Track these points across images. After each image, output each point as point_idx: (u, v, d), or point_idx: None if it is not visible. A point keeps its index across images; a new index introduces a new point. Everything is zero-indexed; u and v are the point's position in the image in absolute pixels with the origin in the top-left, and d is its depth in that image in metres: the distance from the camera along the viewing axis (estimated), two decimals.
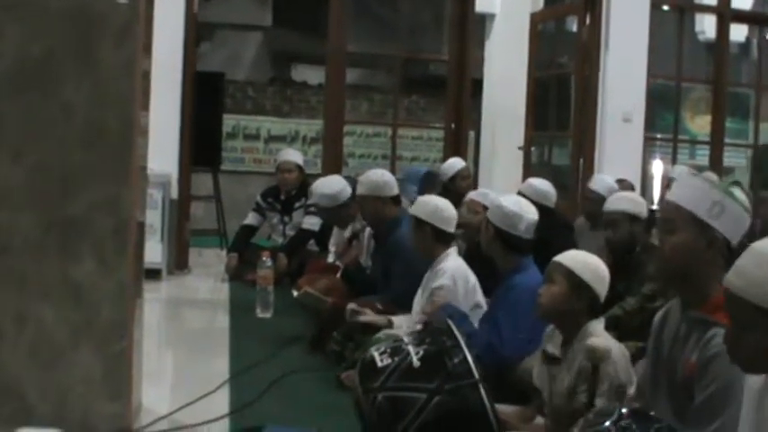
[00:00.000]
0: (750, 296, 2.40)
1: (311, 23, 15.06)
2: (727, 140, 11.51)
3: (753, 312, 2.40)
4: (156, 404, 4.69)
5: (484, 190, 7.59)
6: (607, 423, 2.60)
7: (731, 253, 3.23)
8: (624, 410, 2.66)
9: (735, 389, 2.96)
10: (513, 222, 5.09)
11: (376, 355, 3.39)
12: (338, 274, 6.89)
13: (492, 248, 5.14)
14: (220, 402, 4.84)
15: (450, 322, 3.62)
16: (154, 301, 7.17)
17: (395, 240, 6.11)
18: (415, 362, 3.29)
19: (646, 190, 11.11)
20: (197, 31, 9.64)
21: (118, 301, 4.21)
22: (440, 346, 3.34)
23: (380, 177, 6.53)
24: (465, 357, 3.25)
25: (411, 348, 3.36)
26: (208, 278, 8.76)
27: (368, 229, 6.98)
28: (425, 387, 3.23)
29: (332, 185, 7.46)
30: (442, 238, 5.52)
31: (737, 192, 3.28)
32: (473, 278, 5.47)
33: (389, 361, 3.33)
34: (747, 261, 2.44)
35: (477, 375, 3.21)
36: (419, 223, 5.54)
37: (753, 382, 2.67)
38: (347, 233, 7.38)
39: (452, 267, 5.44)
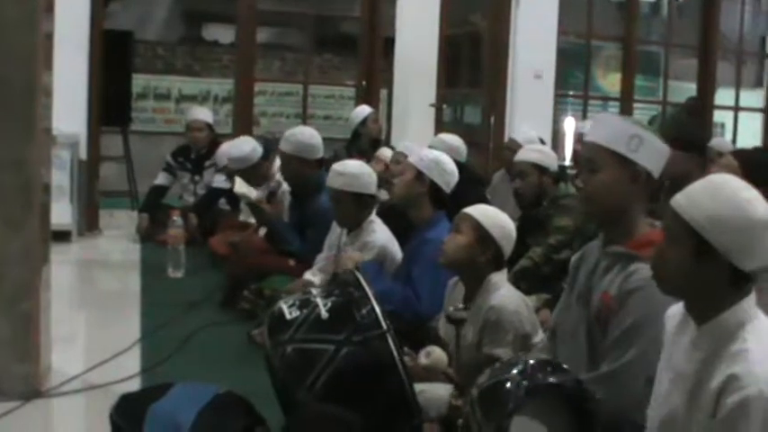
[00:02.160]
0: (689, 217, 2.49)
1: None
2: (637, 98, 11.63)
3: (684, 231, 2.50)
4: (67, 365, 4.66)
5: (387, 149, 7.68)
6: (513, 372, 2.62)
7: (654, 186, 3.31)
8: (531, 361, 2.68)
9: (651, 324, 3.01)
10: (448, 180, 5.14)
11: (284, 307, 3.39)
12: (258, 232, 6.88)
13: (417, 201, 5.15)
14: (132, 362, 4.84)
15: (358, 274, 3.63)
16: (64, 263, 7.07)
17: (316, 207, 6.07)
18: (324, 314, 3.29)
19: (557, 146, 11.21)
20: None
21: (24, 262, 4.17)
22: (348, 298, 3.35)
23: (308, 139, 6.43)
24: (372, 308, 3.26)
25: (319, 300, 3.36)
26: (119, 239, 8.65)
27: (284, 186, 6.91)
28: (333, 338, 3.23)
29: (241, 148, 7.38)
30: (365, 204, 5.50)
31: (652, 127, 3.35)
32: (397, 245, 5.45)
33: (298, 313, 3.33)
34: (699, 184, 2.55)
35: (384, 326, 3.22)
36: (340, 195, 5.45)
37: (670, 318, 2.73)
38: (262, 193, 7.28)
39: (381, 242, 5.39)
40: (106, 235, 8.86)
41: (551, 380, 2.62)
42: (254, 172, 7.30)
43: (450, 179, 5.16)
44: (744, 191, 2.51)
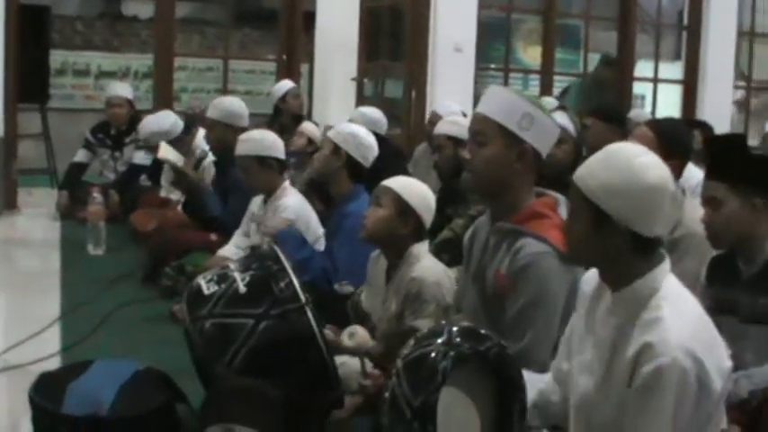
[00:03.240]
0: (586, 188, 2.53)
1: None
2: (557, 70, 11.72)
3: (583, 203, 2.54)
4: None
5: (310, 124, 7.72)
6: (438, 341, 2.63)
7: (541, 164, 3.34)
8: (454, 329, 2.70)
9: (544, 299, 3.09)
10: (366, 153, 5.16)
11: (203, 283, 3.38)
12: (178, 207, 6.85)
13: (335, 176, 5.16)
14: (52, 341, 4.80)
15: (276, 247, 3.63)
16: None
17: (238, 175, 6.07)
18: (242, 288, 3.28)
19: None
20: None
21: None
22: (266, 272, 3.34)
23: (234, 106, 6.56)
24: (291, 281, 3.26)
25: (237, 275, 3.35)
26: (38, 218, 8.54)
27: (210, 157, 6.90)
28: (252, 312, 3.24)
29: (161, 122, 7.38)
30: (266, 165, 5.54)
31: (545, 104, 3.36)
32: (314, 214, 5.53)
33: (216, 288, 3.32)
34: (597, 155, 2.58)
35: (303, 299, 3.23)
36: (246, 161, 5.54)
37: (586, 287, 2.77)
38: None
39: (294, 204, 5.47)
40: (25, 213, 8.75)
41: (476, 347, 2.64)
42: (176, 147, 7.26)
43: (368, 153, 5.18)
44: (638, 157, 2.54)
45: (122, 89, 9.08)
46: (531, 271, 3.11)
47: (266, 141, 5.60)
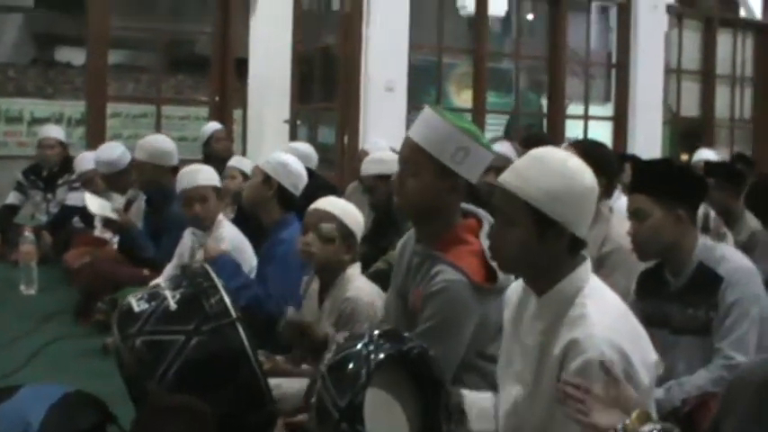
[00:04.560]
0: (525, 195, 2.54)
1: (73, 4, 14.69)
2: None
3: (520, 208, 2.55)
4: None
5: (238, 157, 7.67)
6: (361, 343, 2.66)
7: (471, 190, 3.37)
8: (375, 331, 2.72)
9: (450, 325, 3.12)
10: (296, 182, 5.19)
11: (133, 301, 3.38)
12: (114, 245, 6.80)
13: (266, 205, 5.17)
14: None
15: (207, 265, 3.64)
16: None
17: (171, 214, 6.07)
18: (172, 305, 3.28)
19: None
20: None
21: None
22: (197, 288, 3.35)
23: (162, 145, 6.55)
24: (221, 297, 3.27)
25: (168, 292, 3.35)
26: None
27: (142, 196, 6.88)
28: (183, 329, 3.23)
29: (111, 152, 7.37)
30: (218, 194, 5.62)
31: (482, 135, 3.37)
32: (248, 245, 5.52)
33: (146, 306, 3.31)
34: (526, 162, 2.61)
35: (234, 314, 3.23)
36: (199, 190, 5.53)
37: (510, 298, 2.81)
38: (120, 201, 7.23)
39: (230, 235, 5.47)
40: None
41: (398, 347, 2.67)
42: (120, 178, 7.29)
43: (298, 181, 5.22)
44: (569, 161, 2.60)
45: (54, 131, 9.06)
46: (441, 297, 3.14)
47: (214, 172, 5.67)
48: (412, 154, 3.25)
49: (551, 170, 2.56)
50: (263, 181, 5.17)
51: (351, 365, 2.61)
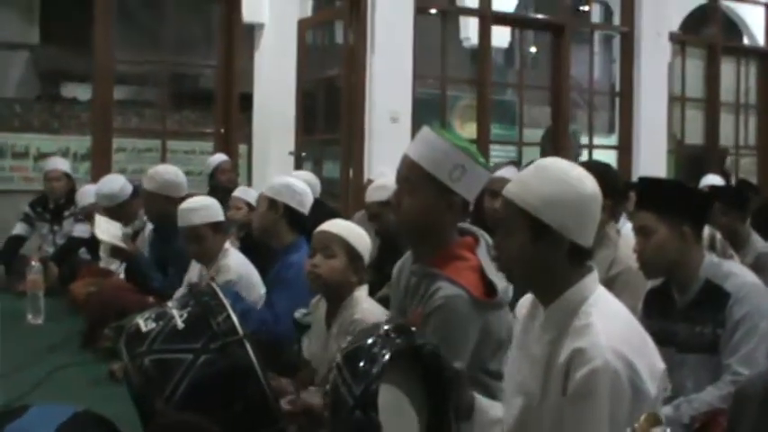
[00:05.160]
0: (522, 202, 2.56)
1: (79, 40, 14.77)
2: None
3: (517, 215, 2.57)
4: None
5: (243, 187, 7.67)
6: (376, 333, 2.68)
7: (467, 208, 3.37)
8: (390, 325, 2.73)
9: (453, 340, 3.11)
10: (301, 200, 5.22)
11: (141, 322, 3.37)
12: (121, 274, 6.80)
13: (276, 229, 5.20)
14: None
15: (214, 284, 3.65)
16: None
17: (176, 244, 6.06)
18: (180, 323, 3.27)
19: None
20: None
21: None
22: (204, 307, 3.34)
23: (172, 176, 6.53)
24: (229, 315, 3.26)
25: (175, 311, 3.35)
26: None
27: (148, 227, 6.89)
28: (191, 347, 3.22)
29: (111, 185, 7.38)
30: (219, 230, 5.56)
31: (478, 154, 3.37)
32: (255, 273, 5.51)
33: (154, 325, 3.31)
34: (528, 171, 2.64)
35: (241, 332, 3.23)
36: (193, 230, 5.52)
37: (520, 310, 2.81)
38: (127, 231, 7.24)
39: (235, 264, 5.47)
40: None
41: (412, 342, 2.68)
42: (122, 210, 7.29)
43: (303, 199, 5.26)
44: (571, 169, 2.61)
45: (60, 163, 9.11)
46: (441, 312, 3.14)
47: (215, 206, 5.63)
48: (409, 171, 3.27)
49: (551, 177, 2.58)
50: (269, 206, 5.20)
51: (366, 353, 2.62)
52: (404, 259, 3.54)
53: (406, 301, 3.36)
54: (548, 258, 2.58)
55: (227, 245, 5.64)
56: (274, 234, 5.20)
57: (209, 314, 3.30)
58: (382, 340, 2.65)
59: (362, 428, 2.58)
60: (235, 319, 3.27)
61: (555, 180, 2.57)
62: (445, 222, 3.29)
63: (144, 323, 3.34)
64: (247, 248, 5.90)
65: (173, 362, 3.22)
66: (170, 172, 6.68)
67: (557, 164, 2.65)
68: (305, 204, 5.24)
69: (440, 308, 3.13)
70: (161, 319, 3.35)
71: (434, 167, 3.20)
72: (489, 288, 3.19)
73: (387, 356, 2.61)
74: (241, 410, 3.20)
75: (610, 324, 2.51)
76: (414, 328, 2.82)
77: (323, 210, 6.55)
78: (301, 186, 5.32)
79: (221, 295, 3.38)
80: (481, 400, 2.88)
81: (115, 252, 6.70)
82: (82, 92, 15.90)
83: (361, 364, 2.62)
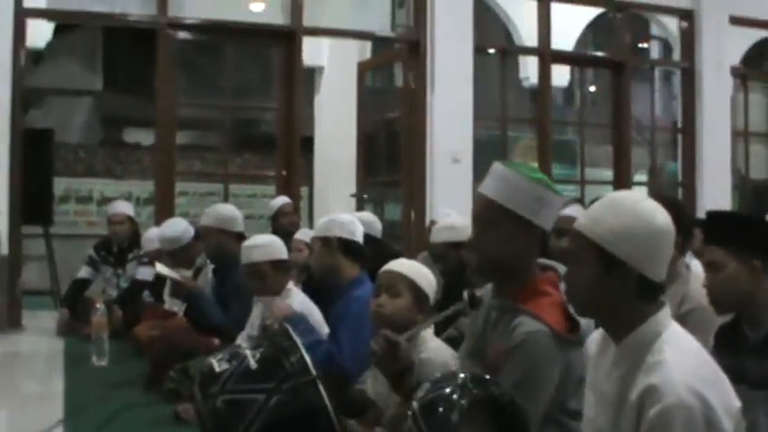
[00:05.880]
0: (592, 234, 2.54)
1: (141, 86, 14.99)
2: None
3: (586, 247, 2.54)
4: None
5: (304, 229, 7.68)
6: (454, 383, 2.64)
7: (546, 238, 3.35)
8: (463, 375, 2.70)
9: (534, 377, 3.06)
10: (351, 229, 5.23)
11: (214, 362, 3.36)
12: (180, 313, 6.84)
13: (336, 265, 5.19)
14: None
15: (287, 325, 3.64)
16: None
17: (237, 280, 6.08)
18: (253, 364, 3.26)
19: None
20: (24, 96, 9.51)
21: None
22: (277, 347, 3.33)
23: (228, 211, 6.67)
24: (302, 356, 3.25)
25: (248, 352, 3.33)
26: (42, 335, 8.53)
27: (209, 267, 6.93)
28: (263, 387, 3.20)
29: (173, 228, 7.44)
30: (280, 268, 5.55)
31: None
32: (318, 312, 5.51)
33: (227, 365, 3.30)
34: (599, 203, 2.61)
35: (314, 372, 3.21)
36: (254, 267, 5.55)
37: (590, 347, 2.77)
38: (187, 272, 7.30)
39: (298, 302, 5.47)
40: (29, 332, 8.74)
41: (490, 392, 2.64)
42: (185, 254, 7.34)
43: (352, 228, 5.28)
44: (643, 202, 2.58)
45: (123, 206, 9.20)
46: (524, 349, 3.09)
47: (276, 244, 5.66)
48: (488, 211, 3.24)
49: (621, 210, 2.55)
50: (323, 245, 5.23)
51: (443, 403, 2.58)
52: (482, 292, 3.51)
53: (486, 336, 3.33)
54: (618, 292, 2.54)
55: (290, 285, 5.64)
56: (335, 270, 5.19)
57: (282, 354, 3.29)
58: (460, 389, 2.61)
59: None
60: (308, 359, 3.25)
61: (626, 213, 2.53)
62: (527, 255, 3.27)
63: (217, 363, 3.33)
64: (309, 292, 5.89)
65: (245, 402, 3.20)
66: (226, 207, 6.85)
67: (628, 197, 2.63)
68: (356, 233, 5.25)
69: (522, 344, 3.09)
70: (234, 359, 3.34)
71: (514, 203, 3.18)
72: (572, 324, 3.15)
73: (465, 407, 2.57)
74: None
75: (683, 360, 2.46)
76: (489, 377, 2.78)
77: (385, 250, 6.54)
78: (346, 217, 5.37)
79: (294, 336, 3.36)
80: None
81: (176, 289, 6.74)
82: (144, 137, 16.12)
83: (438, 413, 2.58)
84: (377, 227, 7.21)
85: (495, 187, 3.23)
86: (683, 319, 4.12)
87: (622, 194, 2.67)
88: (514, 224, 3.19)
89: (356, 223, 5.34)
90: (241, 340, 5.69)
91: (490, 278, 3.40)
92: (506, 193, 3.19)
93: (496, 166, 3.28)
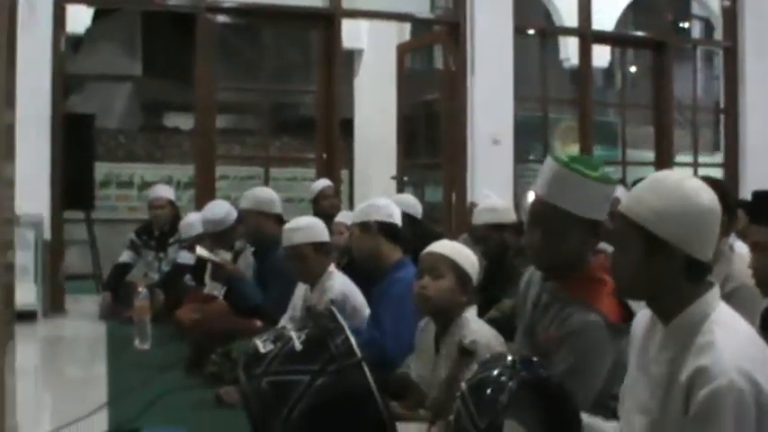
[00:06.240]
0: (635, 216, 2.50)
1: (180, 71, 15.06)
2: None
3: (633, 231, 2.50)
4: (34, 429, 4.59)
5: (344, 211, 7.66)
6: (503, 364, 2.62)
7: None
8: (511, 357, 2.68)
9: (586, 368, 3.07)
10: (389, 211, 5.21)
11: (259, 343, 3.36)
12: (221, 297, 6.86)
13: (377, 249, 5.18)
14: (99, 425, 4.74)
15: (333, 307, 3.62)
16: (29, 342, 7.06)
17: (276, 262, 6.09)
18: (298, 345, 3.25)
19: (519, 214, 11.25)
20: (65, 82, 9.56)
21: None
22: (322, 329, 3.31)
23: (266, 194, 6.69)
24: (347, 338, 3.23)
25: (293, 333, 3.33)
26: (85, 319, 8.57)
27: (249, 250, 6.94)
28: (308, 369, 3.19)
29: (216, 210, 7.45)
30: (321, 250, 5.54)
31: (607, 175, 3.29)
32: (360, 295, 5.50)
33: (272, 347, 3.29)
34: (643, 184, 2.56)
35: (359, 354, 3.20)
36: (295, 249, 5.53)
37: (637, 329, 2.73)
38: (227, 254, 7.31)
39: (340, 284, 5.46)
40: (71, 316, 8.79)
41: (539, 374, 2.62)
42: (226, 237, 7.33)
43: (390, 210, 5.26)
44: (686, 181, 2.54)
45: (164, 190, 9.24)
46: (577, 338, 3.10)
47: (317, 226, 5.64)
48: (551, 216, 3.21)
49: (664, 190, 2.51)
50: (362, 230, 5.21)
51: (492, 385, 2.57)
52: (530, 273, 3.48)
53: (535, 319, 3.30)
54: (664, 274, 2.50)
55: (332, 267, 5.62)
56: (377, 254, 5.17)
57: (327, 336, 3.27)
58: (508, 371, 2.59)
59: None
60: (353, 341, 3.23)
61: (669, 193, 2.49)
62: (587, 249, 3.26)
63: (262, 345, 3.33)
64: (350, 276, 5.87)
65: (290, 384, 3.19)
66: (264, 190, 6.91)
67: (671, 176, 2.58)
68: (394, 215, 5.23)
69: (575, 334, 3.09)
70: (279, 340, 3.33)
71: (581, 209, 3.16)
72: (626, 312, 3.11)
73: (514, 389, 2.55)
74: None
75: (733, 341, 2.41)
76: (537, 359, 2.75)
77: (427, 232, 6.52)
78: (383, 200, 5.36)
79: (339, 318, 3.35)
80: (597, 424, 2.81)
81: (216, 273, 6.75)
82: (184, 121, 16.17)
83: (487, 395, 2.56)
84: (418, 209, 7.19)
85: (559, 192, 3.19)
86: (727, 298, 4.06)
87: (665, 174, 2.62)
88: (577, 226, 3.19)
89: (393, 206, 5.32)
90: (283, 322, 5.70)
91: (549, 276, 3.37)
92: (572, 200, 3.17)
93: (555, 168, 3.23)
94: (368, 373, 3.19)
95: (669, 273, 2.49)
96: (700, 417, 2.34)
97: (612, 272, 2.68)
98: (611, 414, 3.01)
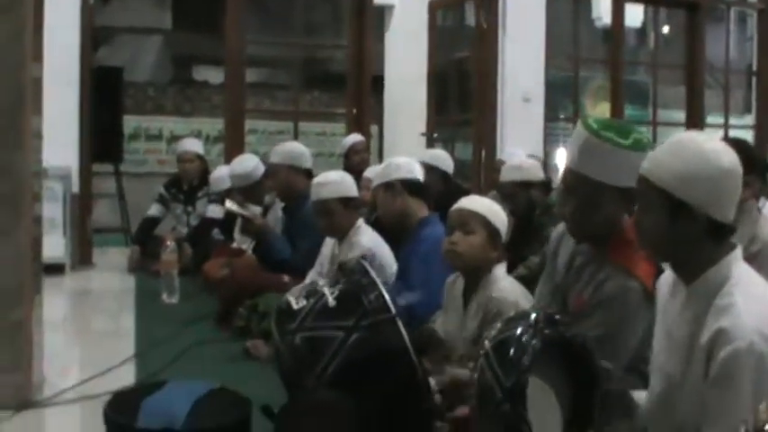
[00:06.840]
0: (656, 179, 2.49)
1: (210, 25, 14.98)
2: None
3: (655, 194, 2.50)
4: (62, 380, 4.56)
5: (373, 167, 7.59)
6: (526, 323, 2.61)
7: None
8: (540, 314, 2.67)
9: (620, 333, 3.05)
10: (410, 168, 5.21)
11: (291, 299, 3.34)
12: (249, 251, 6.84)
13: (402, 204, 5.18)
14: (127, 377, 4.74)
15: (365, 262, 3.60)
16: (57, 295, 7.09)
17: (304, 216, 6.08)
18: (331, 301, 3.23)
19: (548, 173, 11.21)
20: (94, 35, 9.53)
21: (14, 269, 4.07)
22: (355, 285, 3.30)
23: (296, 148, 6.64)
24: (380, 293, 3.21)
25: (326, 289, 3.31)
26: (113, 272, 8.58)
27: (278, 205, 6.92)
28: (342, 325, 3.18)
29: (245, 164, 7.42)
30: (350, 206, 5.52)
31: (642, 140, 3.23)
32: (388, 250, 5.47)
33: (305, 303, 3.27)
34: (664, 147, 2.55)
35: (393, 310, 3.17)
36: (323, 204, 5.51)
37: (662, 285, 2.74)
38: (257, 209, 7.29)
39: (368, 240, 5.43)
40: (100, 268, 8.81)
41: (563, 332, 2.61)
42: (255, 191, 7.31)
43: (411, 167, 5.27)
44: (707, 143, 2.51)
45: (193, 144, 9.19)
46: (613, 305, 3.07)
47: (346, 181, 5.60)
48: (585, 188, 3.16)
49: (685, 152, 2.49)
50: (386, 190, 5.19)
51: (516, 344, 2.57)
52: (562, 230, 3.43)
53: (568, 281, 3.26)
54: (686, 235, 2.49)
55: (360, 222, 5.59)
56: (405, 213, 5.17)
57: (360, 292, 3.26)
58: (532, 330, 2.59)
59: (511, 424, 2.53)
60: (387, 296, 3.21)
61: (689, 155, 2.47)
62: (622, 214, 3.21)
63: (295, 300, 3.31)
64: (378, 232, 5.85)
65: (324, 339, 3.18)
66: (294, 144, 6.86)
67: (691, 138, 2.55)
68: (415, 171, 5.23)
69: (611, 300, 3.06)
70: (312, 296, 3.31)
71: (615, 179, 3.11)
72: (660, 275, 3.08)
73: (537, 347, 2.55)
74: (392, 388, 3.15)
75: (754, 304, 2.40)
76: (560, 317, 2.73)
77: (455, 188, 6.48)
78: (403, 159, 5.36)
79: (372, 273, 3.32)
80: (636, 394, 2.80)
81: (245, 227, 6.74)
82: (214, 75, 16.14)
83: (511, 353, 2.56)
84: (449, 163, 7.18)
85: (590, 162, 3.14)
86: (751, 259, 4.03)
87: (686, 136, 2.59)
88: (611, 195, 3.15)
89: (414, 163, 5.30)
90: (311, 277, 5.68)
91: (583, 242, 3.33)
92: (603, 169, 3.12)
93: (584, 136, 3.17)
94: (402, 329, 3.17)
95: (692, 235, 2.48)
96: (719, 378, 2.35)
97: (638, 234, 2.66)
98: (639, 377, 2.99)
